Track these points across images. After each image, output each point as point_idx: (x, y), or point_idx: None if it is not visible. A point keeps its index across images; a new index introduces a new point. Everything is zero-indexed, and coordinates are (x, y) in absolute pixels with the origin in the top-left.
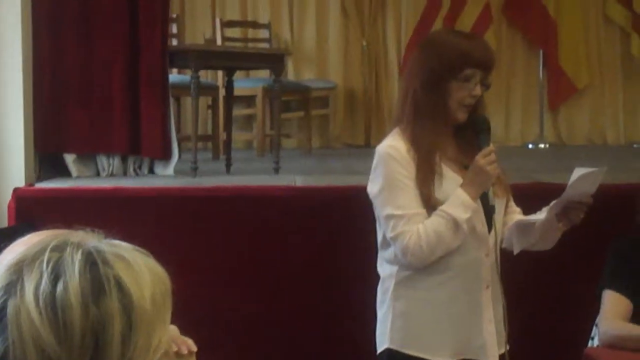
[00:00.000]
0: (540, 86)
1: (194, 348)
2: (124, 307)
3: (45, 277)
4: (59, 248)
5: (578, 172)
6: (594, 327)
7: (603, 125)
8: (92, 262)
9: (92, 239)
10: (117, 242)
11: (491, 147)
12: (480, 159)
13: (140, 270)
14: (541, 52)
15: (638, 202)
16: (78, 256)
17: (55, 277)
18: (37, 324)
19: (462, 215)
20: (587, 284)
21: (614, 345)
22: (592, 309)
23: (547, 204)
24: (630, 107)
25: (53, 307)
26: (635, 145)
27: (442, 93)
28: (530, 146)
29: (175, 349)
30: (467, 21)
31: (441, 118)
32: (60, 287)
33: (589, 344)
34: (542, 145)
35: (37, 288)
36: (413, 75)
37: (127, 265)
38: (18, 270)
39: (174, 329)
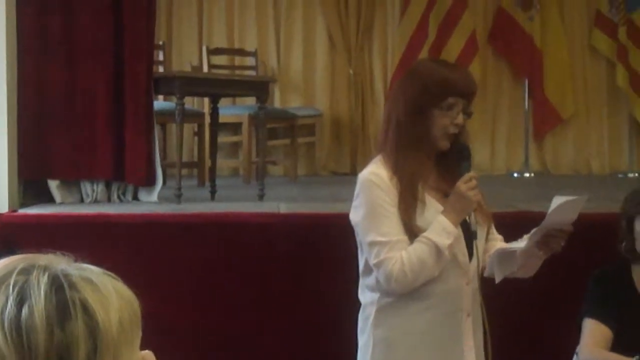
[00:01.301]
0: (525, 116)
1: None
2: (89, 330)
3: (10, 300)
4: (26, 271)
5: (558, 201)
6: (575, 355)
7: (588, 154)
8: (58, 286)
9: (60, 262)
10: (85, 265)
11: (472, 173)
12: (461, 185)
13: (108, 294)
14: (527, 81)
15: (620, 231)
16: (44, 279)
17: (21, 301)
18: (1, 347)
19: (444, 241)
20: (568, 312)
21: None
22: (573, 337)
23: (530, 232)
24: (615, 137)
25: (18, 331)
26: (619, 175)
27: (424, 122)
28: (515, 175)
29: None
30: (453, 51)
31: (424, 147)
32: (25, 310)
33: None
34: (527, 175)
35: (2, 311)
36: (396, 104)
37: (94, 289)
38: None
39: (149, 355)
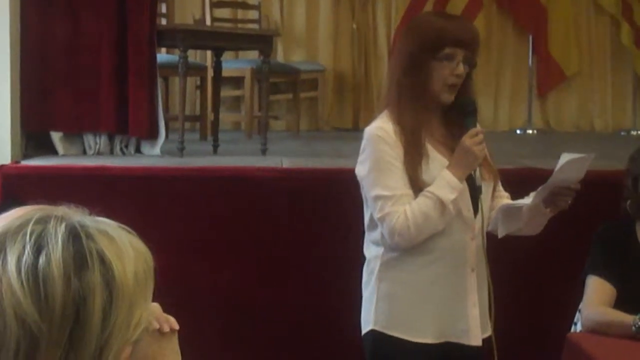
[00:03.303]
0: (529, 72)
1: (176, 326)
2: (106, 281)
3: (28, 248)
4: (43, 221)
5: (565, 158)
6: (577, 313)
7: (591, 112)
8: (75, 236)
9: (76, 214)
10: (101, 218)
11: (478, 128)
12: (467, 140)
13: (124, 247)
14: (531, 38)
15: (624, 189)
16: (61, 229)
17: (38, 249)
18: (18, 294)
19: (448, 196)
20: (572, 269)
21: (596, 330)
22: (576, 294)
23: (534, 189)
24: (618, 95)
25: (35, 278)
26: (622, 133)
27: (423, 75)
28: (518, 132)
29: (157, 326)
30: (457, 6)
31: (423, 100)
32: (42, 258)
33: (572, 329)
34: (530, 131)
35: (19, 259)
36: (396, 59)
37: (110, 241)
38: (1, 242)
39: (156, 307)
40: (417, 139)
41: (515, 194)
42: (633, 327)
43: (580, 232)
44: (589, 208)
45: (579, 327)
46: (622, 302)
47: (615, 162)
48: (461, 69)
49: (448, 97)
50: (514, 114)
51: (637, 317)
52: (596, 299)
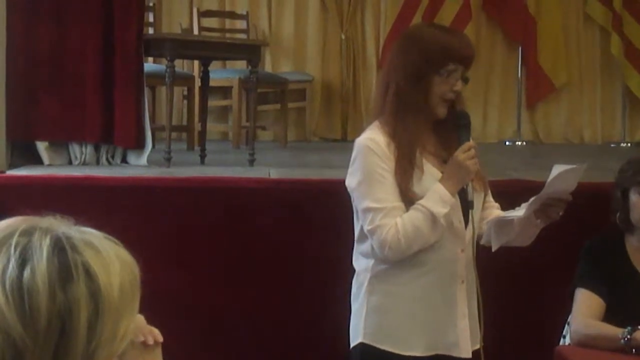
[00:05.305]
0: (518, 84)
1: (160, 338)
2: (91, 293)
3: (12, 261)
4: (27, 233)
5: (557, 169)
6: (566, 325)
7: (580, 124)
8: (60, 248)
9: (62, 225)
10: (86, 229)
11: (471, 142)
12: (460, 154)
13: (109, 258)
14: (520, 49)
15: (613, 201)
16: (46, 241)
17: (23, 262)
18: (2, 307)
19: (440, 210)
20: (561, 281)
21: (585, 343)
22: (565, 307)
23: (523, 201)
24: (607, 107)
25: (19, 291)
26: (612, 145)
27: (424, 88)
28: (507, 143)
29: (141, 339)
30: (446, 17)
31: (423, 113)
32: (27, 271)
33: (561, 342)
34: (519, 143)
35: (3, 272)
36: (394, 69)
37: (96, 253)
38: None
39: (140, 319)
40: (411, 152)
41: (505, 206)
42: (622, 340)
43: (569, 244)
44: (579, 220)
45: (567, 340)
46: (611, 315)
47: (604, 174)
48: (459, 85)
49: (442, 111)
50: (502, 125)
51: (626, 330)
52: (585, 311)
